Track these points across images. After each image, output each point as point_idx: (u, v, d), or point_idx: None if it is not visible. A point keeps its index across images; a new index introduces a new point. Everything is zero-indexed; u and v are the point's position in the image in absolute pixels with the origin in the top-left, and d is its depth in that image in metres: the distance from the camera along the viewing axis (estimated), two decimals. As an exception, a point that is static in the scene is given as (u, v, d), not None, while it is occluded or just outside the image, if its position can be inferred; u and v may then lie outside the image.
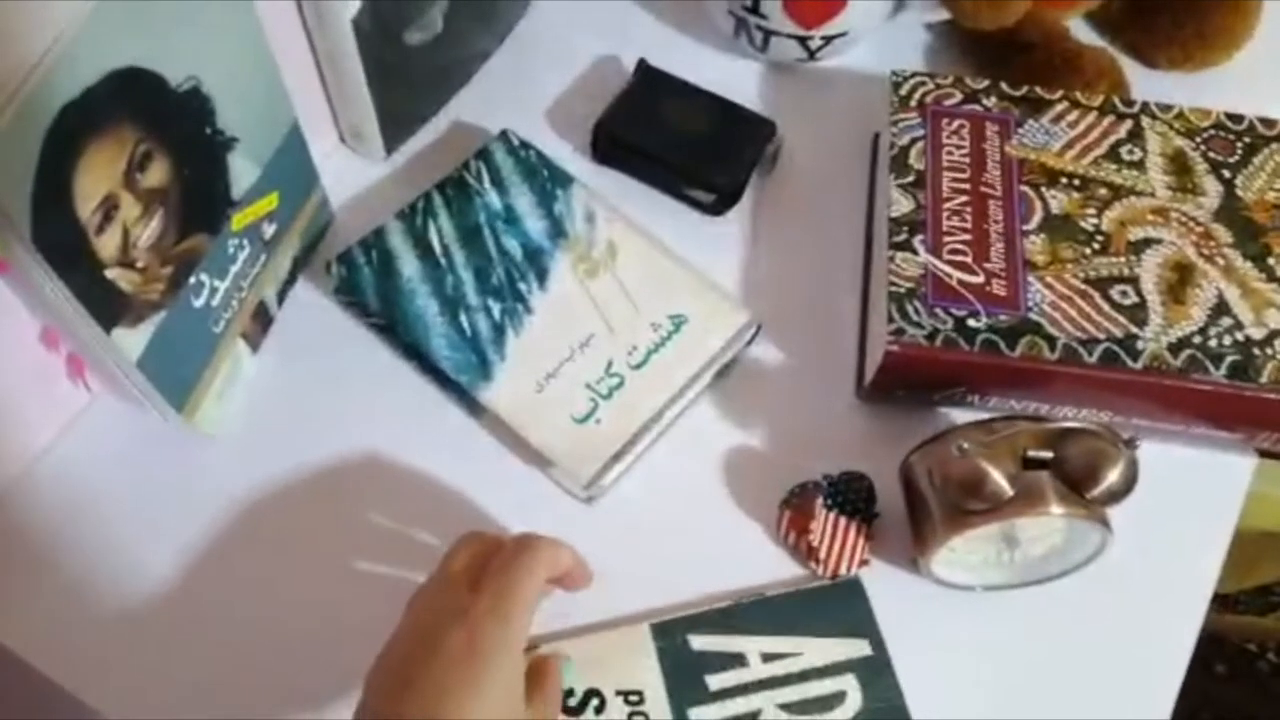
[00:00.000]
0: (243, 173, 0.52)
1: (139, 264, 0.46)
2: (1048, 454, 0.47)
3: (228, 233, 0.52)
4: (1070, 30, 0.70)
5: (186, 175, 0.47)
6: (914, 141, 0.59)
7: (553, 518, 0.55)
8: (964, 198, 0.57)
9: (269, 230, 0.55)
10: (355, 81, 0.59)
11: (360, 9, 0.55)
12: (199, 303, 0.51)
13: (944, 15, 0.68)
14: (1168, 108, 0.61)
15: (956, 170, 0.58)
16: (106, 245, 0.44)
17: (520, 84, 0.68)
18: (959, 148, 0.59)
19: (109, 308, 0.46)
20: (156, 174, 0.46)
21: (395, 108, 0.63)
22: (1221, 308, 0.54)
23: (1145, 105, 0.61)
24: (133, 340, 0.48)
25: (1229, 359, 0.52)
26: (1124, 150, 0.59)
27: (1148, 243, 0.56)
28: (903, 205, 0.57)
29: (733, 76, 0.68)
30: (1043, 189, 0.57)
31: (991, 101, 0.61)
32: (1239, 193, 0.58)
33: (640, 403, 0.56)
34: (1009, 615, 0.53)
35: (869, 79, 0.68)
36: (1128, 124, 0.60)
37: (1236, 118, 0.61)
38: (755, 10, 0.65)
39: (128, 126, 0.43)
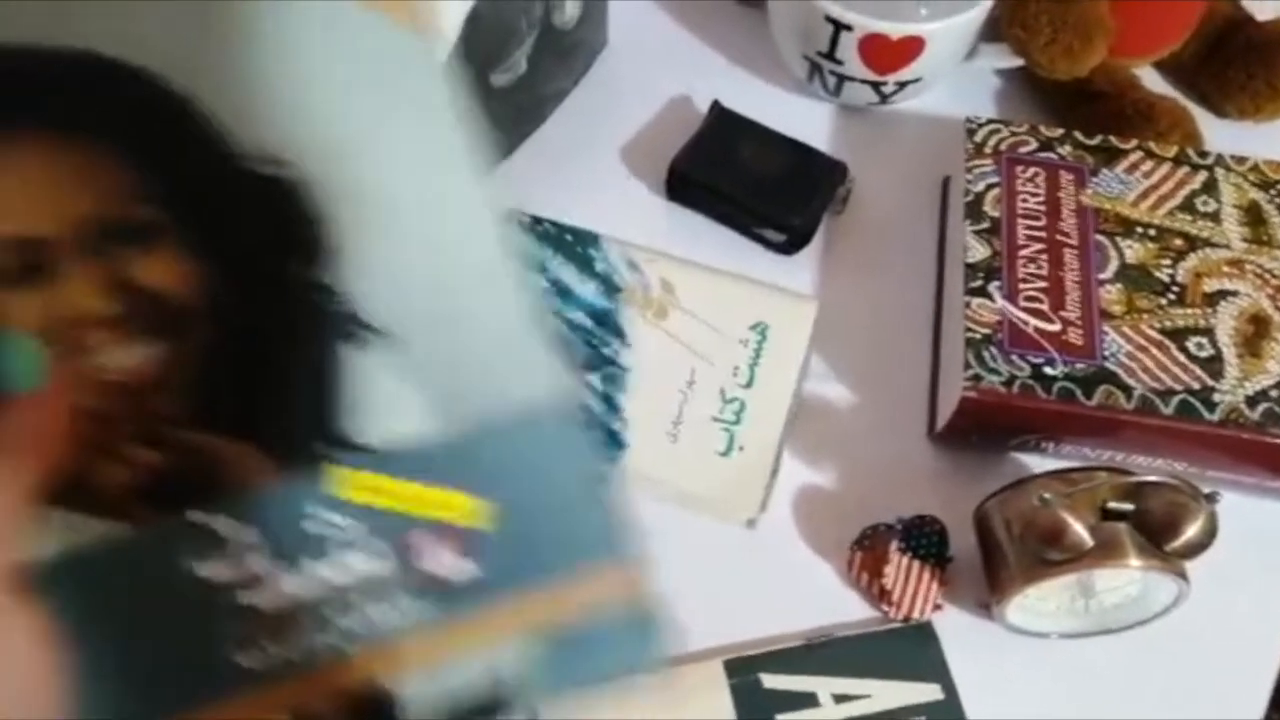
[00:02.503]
0: None
1: None
2: (1128, 506, 0.48)
3: None
4: (1139, 79, 0.70)
5: None
6: (989, 188, 0.59)
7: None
8: (1039, 245, 0.57)
9: None
10: (442, 121, 0.60)
11: (452, 50, 0.56)
12: None
13: (1016, 62, 0.68)
14: (1242, 160, 0.61)
15: (1031, 218, 0.58)
16: None
17: (595, 124, 0.70)
18: (1034, 195, 0.59)
19: None
20: None
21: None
22: (1298, 362, 0.54)
23: (1219, 157, 0.61)
24: None
25: (1306, 413, 0.53)
26: (1199, 201, 0.60)
27: (1223, 294, 0.56)
28: (978, 251, 0.57)
29: (805, 119, 0.70)
30: (1118, 238, 0.58)
31: (1066, 150, 0.61)
32: (1314, 246, 0.58)
33: (768, 416, 0.56)
34: (1080, 665, 0.53)
35: (940, 123, 0.69)
36: (1202, 175, 0.61)
37: (1311, 170, 0.61)
38: (830, 56, 0.66)
39: None
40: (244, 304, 0.31)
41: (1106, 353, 0.54)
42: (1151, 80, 0.72)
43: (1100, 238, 0.58)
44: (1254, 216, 0.59)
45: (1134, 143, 0.62)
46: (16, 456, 0.28)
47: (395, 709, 0.32)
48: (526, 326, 0.33)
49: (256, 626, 0.31)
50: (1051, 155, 0.61)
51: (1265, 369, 0.54)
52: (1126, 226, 0.59)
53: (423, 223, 0.32)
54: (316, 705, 0.31)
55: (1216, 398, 0.53)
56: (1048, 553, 0.47)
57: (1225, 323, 0.55)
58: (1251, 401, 0.53)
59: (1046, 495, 0.47)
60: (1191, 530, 0.47)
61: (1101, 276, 0.57)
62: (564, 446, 0.33)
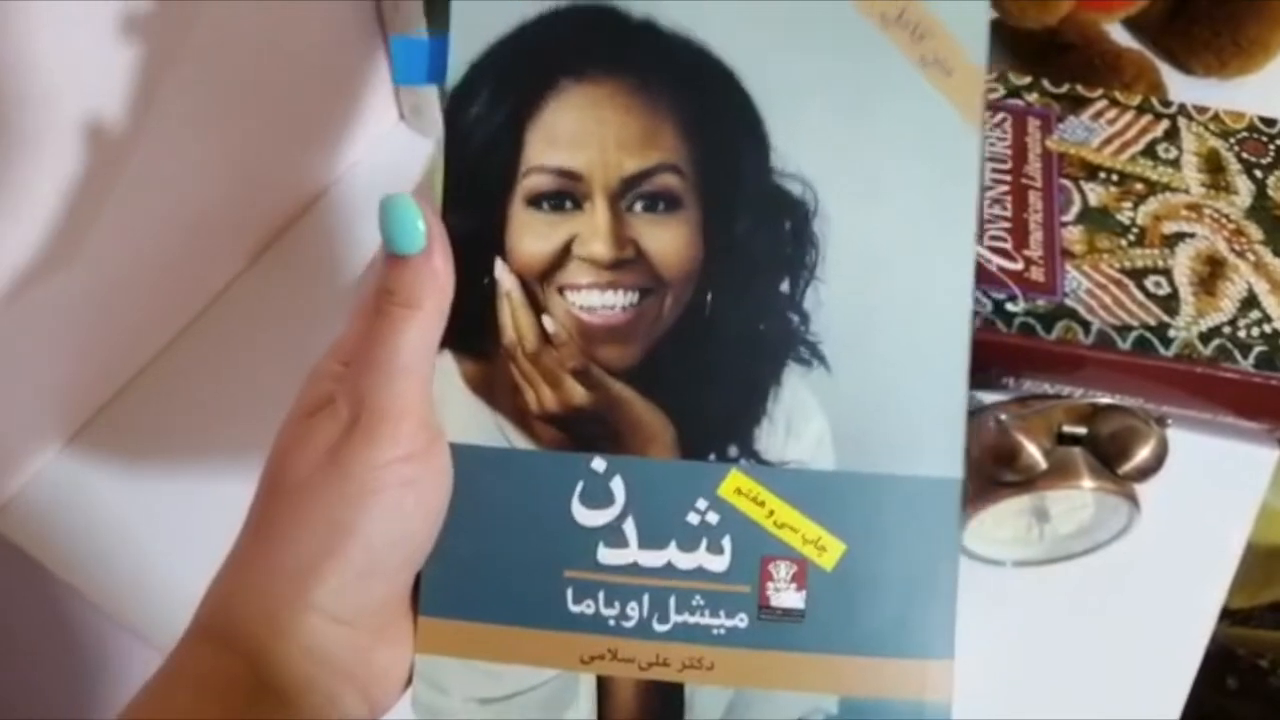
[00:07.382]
0: None
1: None
2: (1082, 430, 0.49)
3: None
4: (1109, 33, 0.72)
5: None
6: (957, 133, 0.61)
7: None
8: (1005, 188, 0.59)
9: None
10: (422, 58, 0.61)
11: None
12: None
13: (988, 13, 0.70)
14: (1203, 109, 0.63)
15: (998, 161, 0.60)
16: None
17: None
18: (1001, 140, 0.61)
19: None
20: None
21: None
22: (1251, 301, 0.56)
23: (1182, 106, 0.63)
24: None
25: (1256, 349, 0.54)
26: (1160, 148, 0.61)
27: (1181, 237, 0.58)
28: (945, 193, 0.59)
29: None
30: (1081, 182, 0.59)
31: (1034, 97, 0.63)
32: (1270, 193, 0.60)
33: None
34: (1019, 602, 0.55)
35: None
36: (1165, 124, 0.62)
37: (1269, 121, 0.63)
38: (806, 3, 0.67)
39: None
40: (726, 297, 0.33)
41: (1067, 290, 0.56)
42: (1120, 37, 0.74)
43: (1064, 181, 0.60)
44: (1213, 164, 0.61)
45: (1099, 91, 0.63)
46: (413, 307, 0.31)
47: (681, 712, 0.33)
48: (953, 407, 0.33)
49: (598, 581, 0.33)
50: (1019, 102, 0.63)
51: (1219, 307, 0.56)
52: (1090, 171, 0.60)
53: (897, 280, 0.33)
54: (617, 674, 0.33)
55: (1172, 333, 0.55)
56: (1002, 474, 0.49)
57: (1182, 263, 0.57)
58: (1205, 338, 0.54)
59: (1002, 417, 0.48)
60: (1143, 453, 0.49)
61: (1065, 218, 0.58)
62: (936, 529, 0.33)
